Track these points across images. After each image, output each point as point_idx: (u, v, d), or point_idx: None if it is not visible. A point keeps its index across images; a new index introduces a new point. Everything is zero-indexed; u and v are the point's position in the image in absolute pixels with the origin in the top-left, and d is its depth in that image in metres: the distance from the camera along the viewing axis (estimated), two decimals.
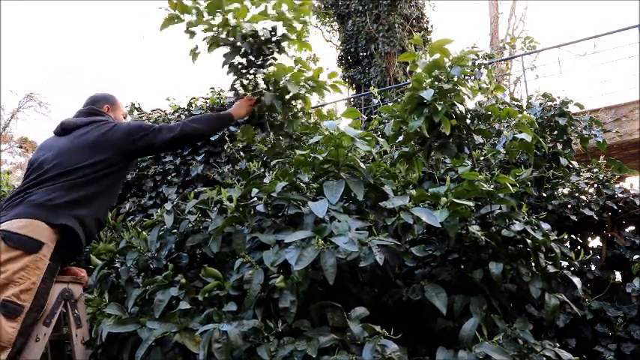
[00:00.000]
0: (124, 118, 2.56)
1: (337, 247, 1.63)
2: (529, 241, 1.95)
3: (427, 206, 1.85)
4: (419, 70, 2.15)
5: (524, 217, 2.02)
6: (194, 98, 5.26)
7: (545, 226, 2.02)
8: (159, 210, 2.39)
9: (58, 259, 2.01)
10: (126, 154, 2.23)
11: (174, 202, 2.21)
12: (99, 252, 2.32)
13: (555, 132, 3.06)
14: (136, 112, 5.64)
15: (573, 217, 2.94)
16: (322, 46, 15.62)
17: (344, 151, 1.97)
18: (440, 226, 1.75)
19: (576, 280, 2.00)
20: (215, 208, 2.09)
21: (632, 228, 3.10)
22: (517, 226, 1.95)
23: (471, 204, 1.84)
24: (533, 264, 2.00)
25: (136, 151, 2.27)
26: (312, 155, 2.02)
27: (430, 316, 1.86)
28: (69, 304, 2.07)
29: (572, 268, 2.91)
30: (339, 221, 1.76)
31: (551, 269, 1.98)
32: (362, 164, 1.99)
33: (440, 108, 2.00)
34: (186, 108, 5.14)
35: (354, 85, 12.56)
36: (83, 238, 2.04)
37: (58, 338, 2.16)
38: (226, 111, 2.48)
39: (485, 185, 1.87)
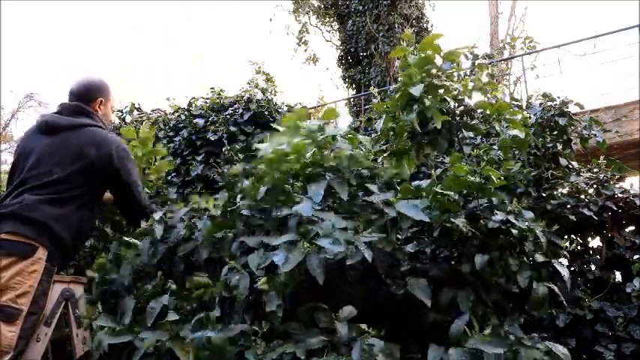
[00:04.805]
0: (113, 110, 2.48)
1: (322, 248, 1.63)
2: (515, 232, 1.94)
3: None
4: (410, 63, 2.14)
5: (506, 207, 2.00)
6: (194, 98, 5.26)
7: (528, 215, 2.00)
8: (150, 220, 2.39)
9: (55, 260, 2.00)
10: (104, 185, 2.18)
11: (164, 212, 2.20)
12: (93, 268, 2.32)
13: (555, 132, 3.06)
14: (136, 112, 5.64)
15: (573, 217, 2.94)
16: (322, 46, 15.62)
17: (325, 150, 1.96)
18: (424, 218, 1.74)
19: (564, 271, 1.98)
20: (205, 215, 2.08)
21: (632, 228, 3.10)
22: (499, 216, 1.93)
23: (454, 194, 1.83)
24: (521, 254, 1.99)
25: (112, 191, 2.23)
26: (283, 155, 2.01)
27: (420, 311, 1.86)
28: (70, 303, 2.08)
29: (571, 268, 2.91)
30: (323, 221, 1.76)
31: (539, 259, 1.97)
32: (345, 163, 1.97)
33: (429, 103, 2.00)
34: (186, 108, 5.15)
35: (354, 85, 12.58)
36: (69, 242, 2.04)
37: (59, 338, 2.16)
38: None
39: (471, 178, 1.87)
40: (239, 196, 2.01)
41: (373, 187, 1.94)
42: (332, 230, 1.69)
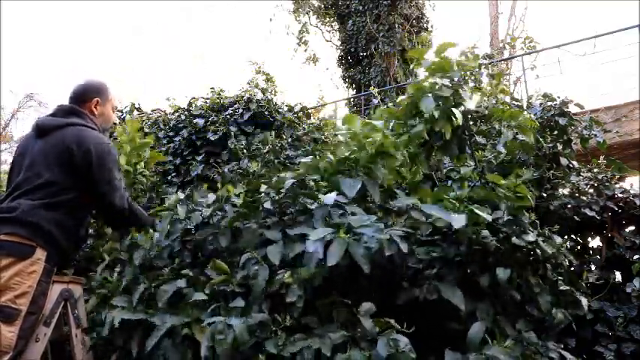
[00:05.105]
0: (114, 111, 2.44)
1: (360, 238, 1.64)
2: (539, 252, 1.94)
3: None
4: (422, 70, 2.14)
5: (536, 227, 2.00)
6: (194, 98, 5.26)
7: (558, 240, 2.01)
8: (173, 199, 2.40)
9: (54, 260, 2.00)
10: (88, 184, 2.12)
11: (186, 194, 2.21)
12: (102, 253, 2.33)
13: (555, 132, 3.06)
14: (136, 112, 5.64)
15: (573, 218, 2.94)
16: (322, 46, 15.61)
17: (365, 151, 1.97)
18: (459, 222, 1.72)
19: (584, 302, 2.00)
20: (227, 205, 2.10)
21: (632, 228, 3.10)
22: (530, 237, 1.92)
23: (488, 215, 1.82)
24: (541, 274, 2.00)
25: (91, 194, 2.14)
26: (323, 158, 2.03)
27: (443, 318, 1.86)
28: (69, 304, 2.07)
29: (571, 268, 2.92)
30: (353, 214, 1.76)
31: (561, 287, 1.98)
32: (378, 165, 1.99)
33: (438, 115, 2.00)
34: (186, 108, 5.15)
35: (354, 85, 12.57)
36: (65, 244, 2.04)
37: (59, 338, 2.16)
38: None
39: (504, 191, 1.88)
40: (263, 188, 2.02)
41: (399, 191, 1.95)
42: (365, 223, 1.70)
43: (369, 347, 1.59)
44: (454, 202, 1.84)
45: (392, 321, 1.67)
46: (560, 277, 2.01)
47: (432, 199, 1.89)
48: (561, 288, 1.97)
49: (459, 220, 1.71)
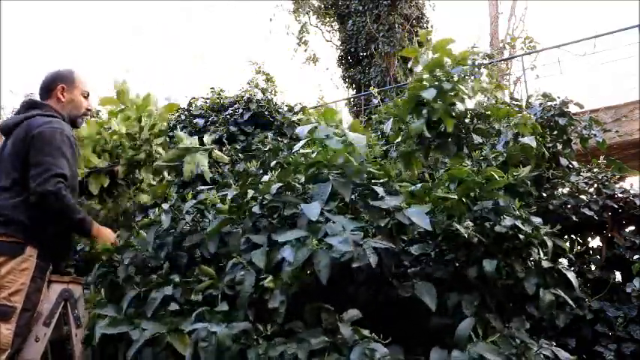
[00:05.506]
0: (86, 97, 2.30)
1: (331, 247, 1.62)
2: (522, 236, 1.93)
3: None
4: (419, 68, 2.14)
5: (515, 211, 1.99)
6: (194, 98, 5.26)
7: (536, 220, 2.00)
8: (157, 210, 2.38)
9: (47, 257, 2.00)
10: None
11: (172, 202, 2.19)
12: (97, 252, 2.32)
13: (555, 132, 3.06)
14: None
15: (573, 217, 2.94)
16: (322, 46, 15.62)
17: (330, 151, 1.96)
18: (427, 227, 1.71)
19: (571, 275, 1.98)
20: (213, 209, 2.10)
21: (632, 228, 3.11)
22: (507, 221, 1.92)
23: (455, 196, 1.82)
24: (527, 259, 1.99)
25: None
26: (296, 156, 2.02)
27: (424, 315, 1.85)
28: (69, 304, 2.07)
29: (572, 268, 2.91)
30: (333, 222, 1.74)
31: (545, 264, 1.97)
32: (354, 163, 1.97)
33: (437, 107, 1.99)
34: (186, 108, 5.15)
35: (354, 85, 12.58)
36: (52, 239, 2.01)
37: (59, 338, 2.16)
38: (90, 222, 2.11)
39: (474, 177, 1.86)
40: (250, 193, 2.01)
41: (380, 190, 1.93)
42: (342, 231, 1.68)
43: (349, 354, 1.58)
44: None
45: (367, 332, 1.66)
46: (544, 258, 1.99)
47: (409, 199, 1.86)
48: (545, 266, 1.95)
49: (428, 220, 1.70)
